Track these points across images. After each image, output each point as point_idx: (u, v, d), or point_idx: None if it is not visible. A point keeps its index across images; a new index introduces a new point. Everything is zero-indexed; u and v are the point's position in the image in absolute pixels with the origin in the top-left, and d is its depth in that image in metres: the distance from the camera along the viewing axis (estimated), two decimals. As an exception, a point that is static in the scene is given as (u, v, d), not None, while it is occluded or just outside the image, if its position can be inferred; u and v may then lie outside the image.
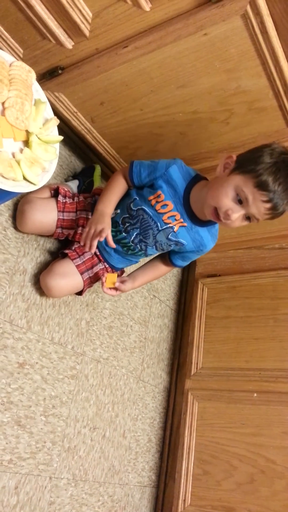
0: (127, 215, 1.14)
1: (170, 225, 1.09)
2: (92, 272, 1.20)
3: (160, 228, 1.10)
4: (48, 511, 1.13)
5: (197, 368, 1.60)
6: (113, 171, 1.42)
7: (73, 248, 1.19)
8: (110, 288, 1.14)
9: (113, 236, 1.15)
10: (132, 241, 1.15)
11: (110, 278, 1.13)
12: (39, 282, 1.18)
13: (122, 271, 1.32)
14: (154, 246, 1.15)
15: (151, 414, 1.56)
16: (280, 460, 1.33)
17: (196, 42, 0.92)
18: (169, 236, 1.11)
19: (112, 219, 1.11)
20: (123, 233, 1.15)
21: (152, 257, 1.27)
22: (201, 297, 1.73)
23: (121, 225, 1.15)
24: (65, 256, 1.19)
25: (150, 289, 1.67)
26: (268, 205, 0.95)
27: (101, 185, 1.39)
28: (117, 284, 1.14)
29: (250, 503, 1.33)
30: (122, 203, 1.16)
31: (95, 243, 1.02)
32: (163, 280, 1.75)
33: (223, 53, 0.94)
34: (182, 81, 1.03)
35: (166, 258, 1.22)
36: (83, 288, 1.20)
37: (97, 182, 1.37)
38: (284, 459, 1.32)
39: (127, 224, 1.14)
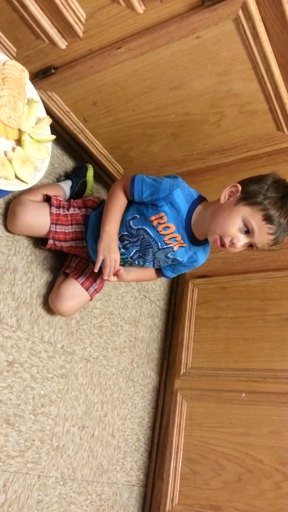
0: (127, 233, 1.13)
1: (171, 245, 1.11)
2: (96, 284, 1.25)
3: (160, 247, 1.11)
4: (36, 509, 1.13)
5: (186, 368, 1.61)
6: (105, 171, 1.43)
7: (72, 265, 1.24)
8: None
9: None
10: (131, 257, 1.16)
11: None
12: (29, 281, 1.18)
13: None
14: (152, 262, 1.17)
15: (140, 414, 1.57)
16: (267, 459, 1.34)
17: (188, 45, 0.93)
18: (168, 255, 1.13)
19: None
20: (122, 249, 1.14)
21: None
22: (191, 297, 1.74)
23: (119, 242, 1.13)
24: (67, 275, 1.23)
25: (140, 289, 1.67)
26: (272, 237, 1.01)
27: (92, 192, 1.39)
28: (120, 272, 1.13)
29: (238, 502, 1.34)
30: (121, 219, 1.13)
31: (114, 272, 1.09)
32: (153, 281, 1.76)
33: (215, 56, 0.95)
34: (174, 83, 1.04)
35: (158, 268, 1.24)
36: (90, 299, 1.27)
37: (90, 183, 1.37)
38: (271, 459, 1.34)
39: (126, 242, 1.14)
